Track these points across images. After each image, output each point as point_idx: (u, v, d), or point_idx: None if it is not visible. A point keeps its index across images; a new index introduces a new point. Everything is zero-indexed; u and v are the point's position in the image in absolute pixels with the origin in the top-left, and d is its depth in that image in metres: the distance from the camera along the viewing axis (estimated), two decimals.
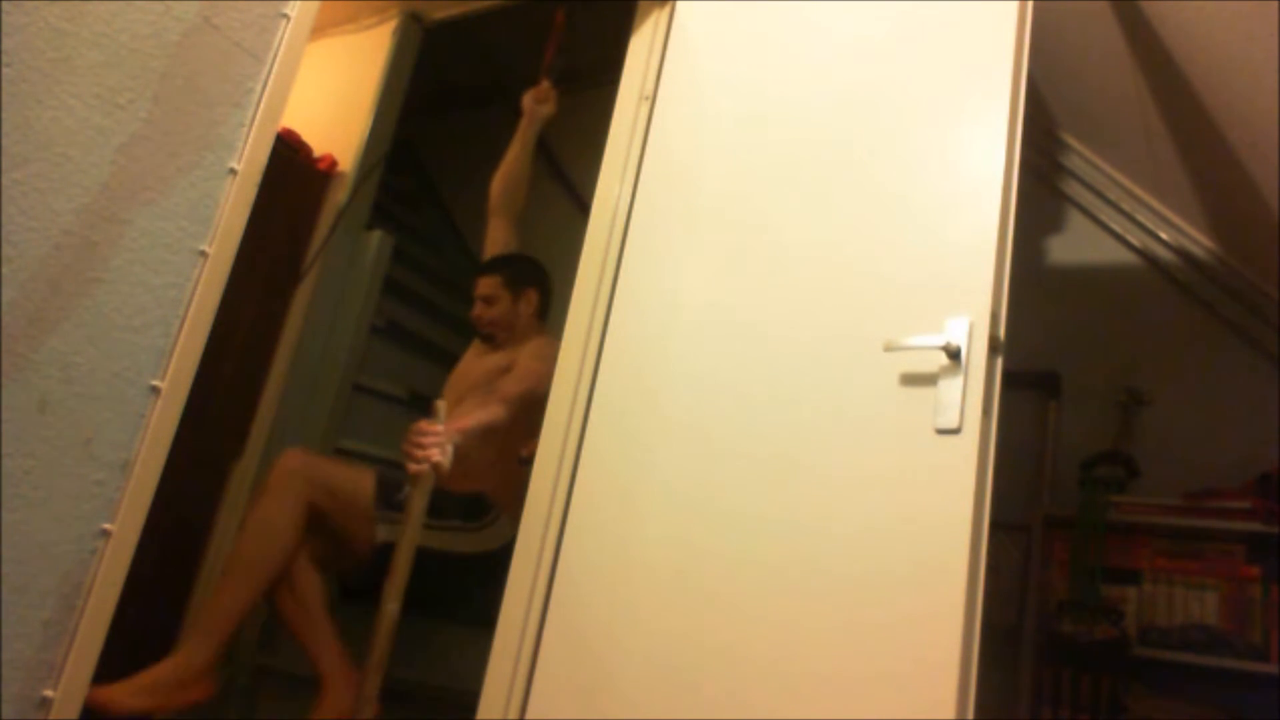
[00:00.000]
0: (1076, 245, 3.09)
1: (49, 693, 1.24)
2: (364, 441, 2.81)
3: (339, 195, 2.80)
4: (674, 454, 1.59)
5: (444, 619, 2.40)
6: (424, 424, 1.93)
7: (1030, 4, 1.54)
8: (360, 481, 2.22)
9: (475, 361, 2.58)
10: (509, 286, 2.56)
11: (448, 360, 2.78)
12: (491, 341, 2.56)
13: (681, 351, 1.65)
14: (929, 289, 1.43)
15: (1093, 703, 2.52)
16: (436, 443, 1.90)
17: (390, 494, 2.23)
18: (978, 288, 1.38)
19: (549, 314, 2.62)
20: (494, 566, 2.19)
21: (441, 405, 1.98)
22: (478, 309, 2.55)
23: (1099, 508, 2.65)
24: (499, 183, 2.69)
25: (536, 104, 2.67)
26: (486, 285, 2.56)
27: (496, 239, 2.68)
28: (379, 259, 2.88)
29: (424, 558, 2.13)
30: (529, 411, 2.31)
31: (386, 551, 2.17)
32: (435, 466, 1.89)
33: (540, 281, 2.62)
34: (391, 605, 1.88)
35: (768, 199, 1.68)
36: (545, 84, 2.68)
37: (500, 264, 2.61)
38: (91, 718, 1.99)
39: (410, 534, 1.91)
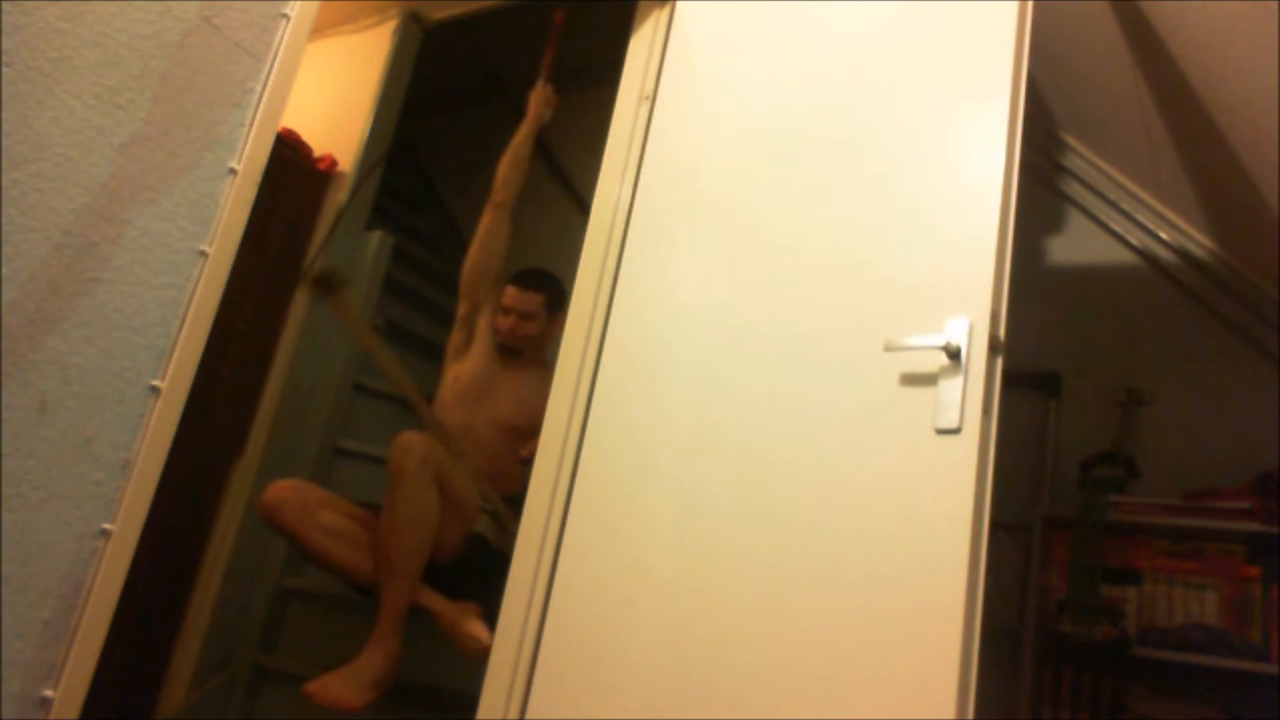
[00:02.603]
0: (1076, 245, 3.09)
1: (49, 693, 1.24)
2: (364, 441, 2.82)
3: (339, 195, 2.80)
4: (674, 454, 1.59)
5: None
6: None
7: (1030, 4, 1.54)
8: (469, 478, 2.30)
9: (500, 374, 2.53)
10: (549, 308, 2.54)
11: None
12: (514, 355, 2.53)
13: (681, 351, 1.65)
14: (929, 289, 1.43)
15: (1093, 703, 2.52)
16: None
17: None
18: (978, 288, 1.38)
19: None
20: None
21: None
22: (512, 322, 2.50)
23: (1099, 508, 2.65)
24: (506, 168, 2.59)
25: (543, 107, 2.65)
26: (528, 301, 2.51)
27: (498, 233, 2.58)
28: (379, 259, 2.88)
29: (493, 559, 2.28)
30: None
31: (477, 547, 2.25)
32: None
33: (565, 309, 2.60)
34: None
35: (768, 198, 1.68)
36: (549, 89, 2.67)
37: (541, 282, 2.56)
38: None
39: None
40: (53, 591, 1.25)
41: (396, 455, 2.13)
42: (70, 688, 1.26)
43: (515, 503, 2.39)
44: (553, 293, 2.56)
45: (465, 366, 2.56)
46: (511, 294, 2.52)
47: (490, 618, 2.37)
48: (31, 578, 1.22)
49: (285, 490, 2.21)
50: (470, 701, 1.62)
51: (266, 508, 2.19)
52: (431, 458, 2.15)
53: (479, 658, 2.05)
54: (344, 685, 2.01)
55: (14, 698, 1.21)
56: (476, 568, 2.28)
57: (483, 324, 2.58)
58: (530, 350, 2.54)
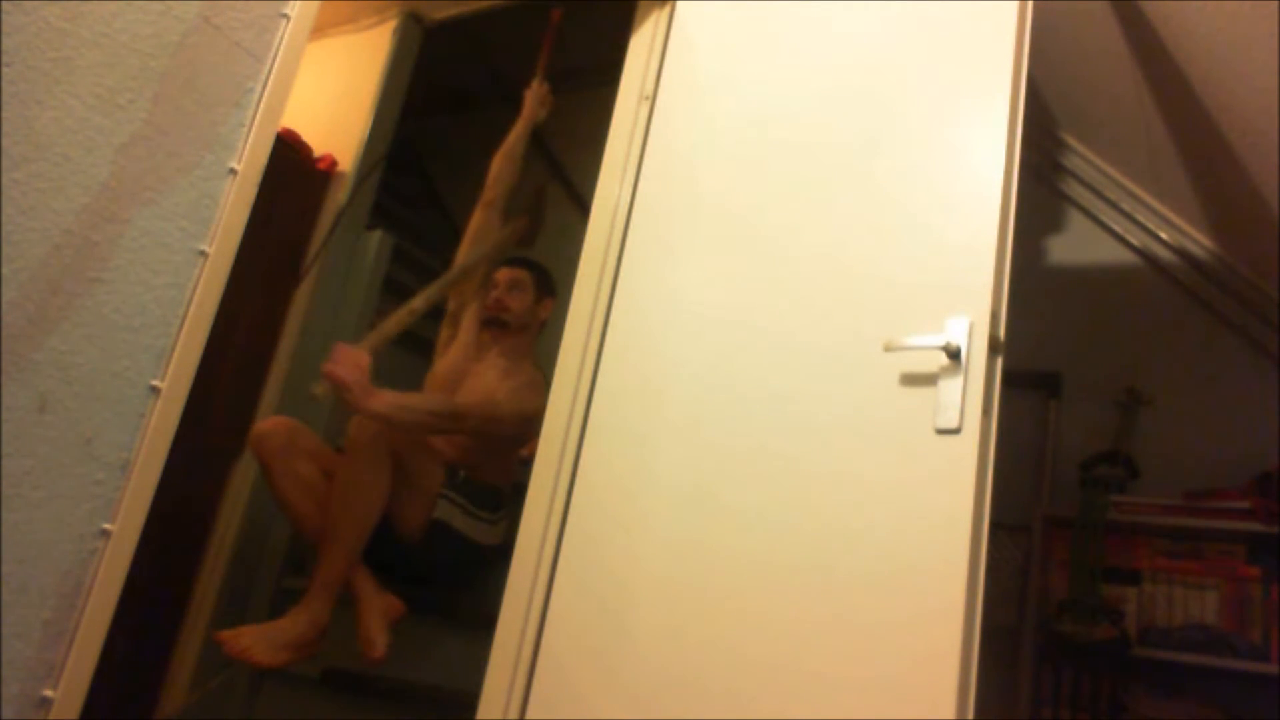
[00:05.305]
0: (1076, 245, 3.09)
1: (49, 693, 1.24)
2: None
3: (339, 195, 2.80)
4: (674, 454, 1.59)
5: (443, 619, 2.40)
6: (346, 349, 2.11)
7: (1030, 4, 1.54)
8: (432, 463, 2.28)
9: (472, 366, 2.51)
10: (537, 286, 2.56)
11: None
12: (499, 328, 2.51)
13: (682, 351, 1.65)
14: (929, 289, 1.43)
15: (1093, 703, 2.52)
16: (343, 370, 2.07)
17: (452, 474, 2.30)
18: (978, 288, 1.38)
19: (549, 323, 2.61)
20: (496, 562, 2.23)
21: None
22: (500, 293, 2.51)
23: (1099, 508, 2.65)
24: (499, 165, 2.63)
25: (538, 105, 2.67)
26: (515, 274, 2.54)
27: (489, 231, 2.62)
28: (379, 259, 2.88)
29: (459, 546, 2.28)
30: (497, 439, 2.39)
31: (436, 532, 2.24)
32: (337, 385, 2.06)
33: (554, 296, 2.61)
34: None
35: (768, 199, 1.68)
36: (545, 88, 2.69)
37: (530, 263, 2.60)
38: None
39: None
40: (53, 591, 1.25)
41: (354, 427, 2.14)
42: (70, 688, 1.26)
43: (496, 494, 2.40)
44: (541, 274, 2.59)
45: (445, 360, 2.57)
46: (500, 271, 2.56)
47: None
48: (31, 578, 1.22)
49: (277, 427, 2.23)
50: (470, 701, 1.62)
51: (254, 436, 2.23)
52: (389, 432, 2.15)
53: (367, 661, 2.07)
54: (255, 640, 2.01)
55: (14, 698, 1.21)
56: (438, 552, 2.28)
57: (466, 318, 2.59)
58: (515, 330, 2.51)
